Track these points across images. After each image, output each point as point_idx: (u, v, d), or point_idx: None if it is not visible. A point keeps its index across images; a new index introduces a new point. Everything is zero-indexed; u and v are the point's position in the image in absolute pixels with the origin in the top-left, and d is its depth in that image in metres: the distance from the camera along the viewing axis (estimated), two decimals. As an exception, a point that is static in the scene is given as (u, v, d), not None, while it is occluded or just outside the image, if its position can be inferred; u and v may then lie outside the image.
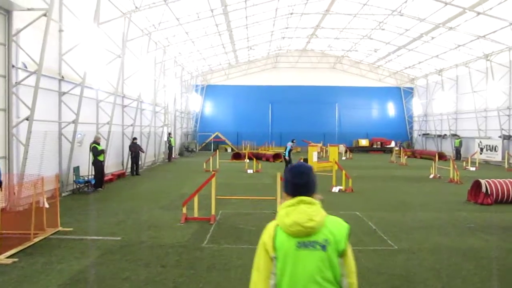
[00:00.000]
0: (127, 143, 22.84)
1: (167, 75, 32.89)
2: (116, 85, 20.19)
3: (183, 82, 40.41)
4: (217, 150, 29.67)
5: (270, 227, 2.80)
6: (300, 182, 2.80)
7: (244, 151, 34.10)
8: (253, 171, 24.08)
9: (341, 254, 2.70)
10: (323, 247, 2.67)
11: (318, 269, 2.65)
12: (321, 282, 2.64)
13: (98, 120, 19.12)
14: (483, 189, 14.10)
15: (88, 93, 17.77)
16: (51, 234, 9.58)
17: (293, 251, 2.67)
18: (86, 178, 16.46)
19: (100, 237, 9.42)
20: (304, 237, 2.68)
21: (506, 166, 28.27)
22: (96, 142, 16.73)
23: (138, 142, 23.44)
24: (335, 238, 2.69)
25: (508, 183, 14.19)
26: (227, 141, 46.87)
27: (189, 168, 26.37)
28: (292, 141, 25.18)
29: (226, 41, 34.58)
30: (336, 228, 2.73)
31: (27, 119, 12.48)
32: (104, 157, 17.07)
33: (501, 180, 14.39)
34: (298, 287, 2.64)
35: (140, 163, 24.39)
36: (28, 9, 12.44)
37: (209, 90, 47.98)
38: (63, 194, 15.17)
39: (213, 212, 11.17)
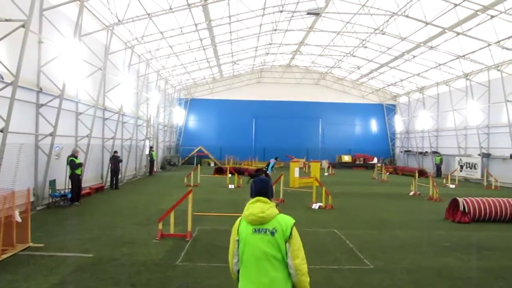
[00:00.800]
0: (107, 156, 22.56)
1: (150, 88, 32.77)
2: (97, 97, 20.01)
3: (167, 96, 40.29)
4: (199, 164, 29.51)
5: (237, 221, 3.94)
6: (258, 190, 3.91)
7: (226, 166, 33.98)
8: (234, 186, 23.97)
9: (287, 240, 3.72)
10: (272, 233, 3.72)
11: (268, 249, 3.68)
12: (270, 259, 3.67)
13: (77, 133, 18.87)
14: (461, 208, 14.22)
15: (67, 105, 17.56)
16: (21, 250, 9.32)
17: (250, 235, 3.75)
18: (62, 192, 16.15)
19: (72, 254, 9.20)
20: (258, 225, 3.75)
21: (485, 183, 28.65)
22: (73, 155, 16.48)
23: (119, 155, 23.16)
24: (282, 227, 3.73)
25: (485, 202, 14.34)
26: (210, 155, 46.68)
27: (170, 183, 26.13)
28: (276, 159, 25.33)
29: (210, 55, 34.68)
30: (283, 221, 3.78)
31: (1, 131, 12.23)
32: (82, 171, 16.81)
33: (478, 199, 14.54)
34: (253, 261, 3.70)
35: (120, 176, 24.10)
36: (6, 20, 12.28)
37: (193, 104, 47.91)
38: (37, 208, 14.85)
39: (189, 228, 11.02)
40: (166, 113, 40.69)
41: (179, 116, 46.08)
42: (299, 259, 3.70)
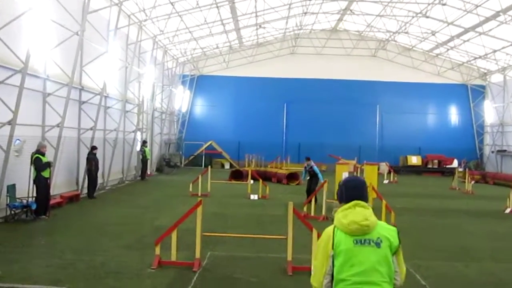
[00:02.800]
0: (85, 153, 22.86)
1: (144, 61, 33.03)
2: (71, 73, 20.27)
3: (166, 71, 40.62)
4: (209, 166, 29.64)
5: (328, 229, 4.30)
6: (355, 191, 4.36)
7: (247, 169, 34.02)
8: (258, 196, 23.95)
9: (395, 252, 4.20)
10: (378, 244, 4.12)
11: (376, 265, 4.07)
12: (381, 272, 4.07)
13: (45, 121, 19.18)
14: None
15: (31, 83, 17.81)
16: (-31, 280, 9.52)
17: (351, 247, 4.12)
18: (24, 201, 16.42)
19: (38, 286, 9.33)
20: (360, 235, 4.14)
21: None
22: (40, 151, 16.73)
23: (98, 153, 23.45)
24: (388, 237, 4.17)
25: None
26: (224, 153, 46.80)
27: (170, 191, 26.15)
28: (307, 160, 23.72)
29: (226, 16, 34.71)
30: (386, 229, 4.25)
31: None
32: (50, 173, 17.05)
33: None
34: (361, 277, 4.05)
35: (101, 182, 24.41)
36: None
37: (201, 83, 48.18)
38: (-9, 223, 15.16)
39: (197, 254, 11.06)
40: (165, 95, 41.01)
41: (182, 100, 46.40)
42: (403, 275, 4.28)
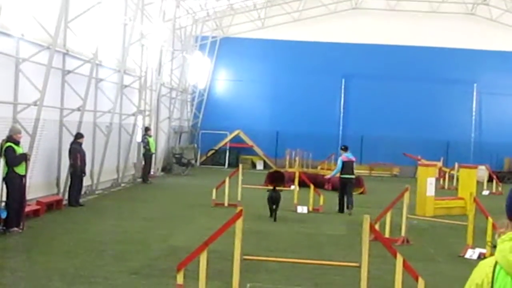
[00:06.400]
0: (69, 143, 23.02)
1: (149, 16, 33.12)
2: (53, 32, 20.45)
3: (178, 31, 40.75)
4: (240, 165, 29.62)
5: (485, 265, 3.61)
6: None
7: (290, 170, 33.99)
8: (308, 209, 23.98)
9: None
10: None
11: None
12: None
13: (18, 98, 19.41)
14: None
15: (1, 44, 18.07)
16: None
17: None
18: (-9, 208, 16.67)
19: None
20: None
21: None
22: (12, 139, 16.88)
23: (84, 144, 23.54)
24: None
25: None
26: (256, 148, 46.79)
27: (184, 198, 26.31)
28: (343, 149, 25.68)
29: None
30: None
31: None
32: (26, 169, 17.27)
33: None
34: None
35: (89, 184, 24.61)
36: None
37: (226, 48, 48.17)
38: None
39: (235, 286, 11.13)
40: (176, 64, 41.16)
41: (199, 72, 46.47)
42: None
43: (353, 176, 25.40)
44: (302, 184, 26.35)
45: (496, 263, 3.47)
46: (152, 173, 34.55)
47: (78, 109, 23.70)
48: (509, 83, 47.04)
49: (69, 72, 23.33)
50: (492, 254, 3.58)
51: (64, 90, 23.18)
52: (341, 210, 24.40)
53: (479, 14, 47.43)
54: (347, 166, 24.90)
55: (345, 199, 24.43)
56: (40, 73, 20.02)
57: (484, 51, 46.91)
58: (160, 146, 38.33)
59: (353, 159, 25.77)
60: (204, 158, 46.66)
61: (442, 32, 46.83)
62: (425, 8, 46.93)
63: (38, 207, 19.77)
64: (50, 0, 20.63)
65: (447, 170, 39.60)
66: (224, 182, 24.82)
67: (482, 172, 40.13)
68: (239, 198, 24.96)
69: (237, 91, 48.64)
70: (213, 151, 46.79)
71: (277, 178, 32.92)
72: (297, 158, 41.77)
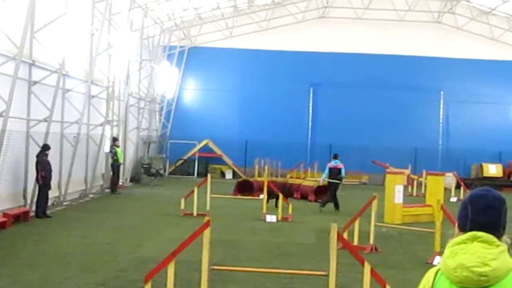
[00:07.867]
0: (36, 154, 22.90)
1: (116, 26, 33.04)
2: (19, 42, 20.33)
3: (146, 41, 40.65)
4: (209, 174, 29.58)
5: (430, 271, 3.80)
6: (481, 216, 3.62)
7: (259, 179, 34.02)
8: (277, 218, 23.98)
9: None
10: None
11: None
12: None
13: (-17, 109, 19.26)
14: None
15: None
16: None
17: None
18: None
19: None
20: None
21: None
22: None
23: (51, 155, 23.44)
24: None
25: None
26: (225, 157, 46.75)
27: (152, 208, 26.27)
28: (333, 158, 29.07)
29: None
30: None
31: None
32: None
33: None
34: None
35: (55, 196, 24.43)
36: None
37: (194, 58, 48.14)
38: None
39: (204, 297, 11.13)
40: (144, 74, 41.06)
41: (167, 81, 46.38)
42: None
43: (337, 181, 28.30)
44: (272, 193, 26.41)
45: (438, 269, 3.67)
46: (120, 183, 34.48)
47: (45, 120, 23.58)
48: (475, 90, 47.42)
49: (35, 82, 23.20)
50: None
51: (31, 101, 23.02)
52: (336, 208, 27.91)
53: (445, 23, 47.90)
54: (333, 172, 28.20)
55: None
56: (6, 84, 19.90)
57: (450, 59, 47.41)
58: (128, 156, 38.27)
59: (339, 166, 28.37)
60: (173, 168, 46.57)
61: (409, 40, 47.20)
62: (392, 16, 47.21)
63: (4, 219, 19.64)
64: (16, 10, 20.51)
65: (415, 177, 39.79)
66: (193, 192, 24.83)
67: (450, 179, 40.47)
68: (208, 208, 24.97)
69: (206, 101, 48.62)
70: (182, 160, 46.70)
71: (245, 187, 33.07)
72: (265, 167, 41.81)
